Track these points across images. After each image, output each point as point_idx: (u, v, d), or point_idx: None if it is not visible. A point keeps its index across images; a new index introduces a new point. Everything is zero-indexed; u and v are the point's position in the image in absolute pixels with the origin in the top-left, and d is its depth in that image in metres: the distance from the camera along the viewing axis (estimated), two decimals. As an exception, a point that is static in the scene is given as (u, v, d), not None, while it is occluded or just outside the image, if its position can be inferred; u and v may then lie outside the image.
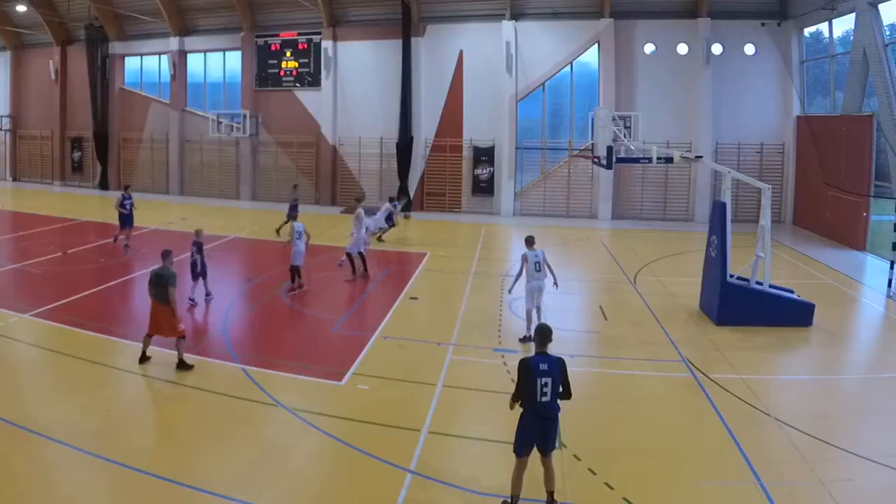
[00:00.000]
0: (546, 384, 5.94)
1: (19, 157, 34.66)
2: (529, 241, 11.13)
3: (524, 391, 5.99)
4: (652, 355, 10.53)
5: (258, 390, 8.82)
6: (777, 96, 23.99)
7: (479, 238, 20.96)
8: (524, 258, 10.90)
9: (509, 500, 6.13)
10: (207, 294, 13.01)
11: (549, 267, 11.06)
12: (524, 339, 10.80)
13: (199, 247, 12.81)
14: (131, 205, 18.03)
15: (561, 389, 6.10)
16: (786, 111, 23.93)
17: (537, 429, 6.02)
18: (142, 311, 12.82)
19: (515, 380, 6.09)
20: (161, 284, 9.36)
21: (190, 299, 12.58)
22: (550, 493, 6.18)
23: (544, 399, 5.96)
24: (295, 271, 13.83)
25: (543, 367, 5.98)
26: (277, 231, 20.02)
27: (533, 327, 10.87)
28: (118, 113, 31.53)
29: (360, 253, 15.15)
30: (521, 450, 6.07)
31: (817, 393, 9.48)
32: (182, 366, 9.33)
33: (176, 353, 9.41)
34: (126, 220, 18.00)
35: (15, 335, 10.70)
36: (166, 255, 9.85)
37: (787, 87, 23.70)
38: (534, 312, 10.90)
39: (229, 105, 29.45)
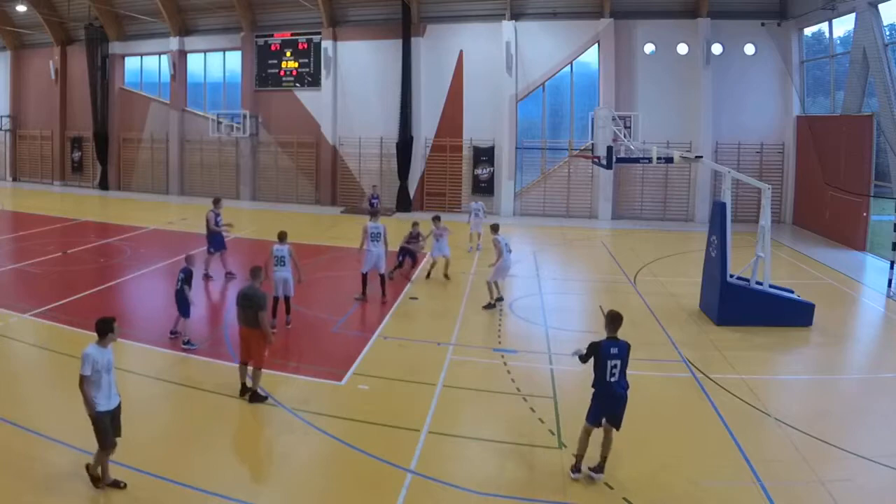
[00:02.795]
0: (615, 366, 6.61)
1: (19, 157, 34.65)
2: (495, 228, 13.18)
3: (596, 372, 6.67)
4: (652, 355, 10.53)
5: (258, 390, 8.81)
6: (777, 96, 23.98)
7: (480, 238, 20.91)
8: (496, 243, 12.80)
9: (575, 457, 6.85)
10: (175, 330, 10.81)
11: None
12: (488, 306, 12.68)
13: (187, 275, 10.53)
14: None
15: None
16: (786, 111, 23.93)
17: (608, 404, 6.67)
18: (142, 311, 12.86)
19: (585, 353, 6.77)
20: (250, 307, 8.35)
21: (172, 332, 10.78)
22: (604, 458, 6.78)
23: (612, 379, 6.61)
24: (364, 278, 13.18)
25: (614, 350, 6.63)
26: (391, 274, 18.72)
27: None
28: (118, 113, 31.53)
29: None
30: (592, 419, 6.75)
31: (817, 393, 9.48)
32: (255, 397, 8.37)
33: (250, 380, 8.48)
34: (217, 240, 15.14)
35: (15, 335, 10.70)
36: (255, 273, 8.80)
37: (787, 87, 23.69)
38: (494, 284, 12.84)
39: (229, 105, 29.44)
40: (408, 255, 15.78)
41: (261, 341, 8.38)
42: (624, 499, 6.42)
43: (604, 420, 6.73)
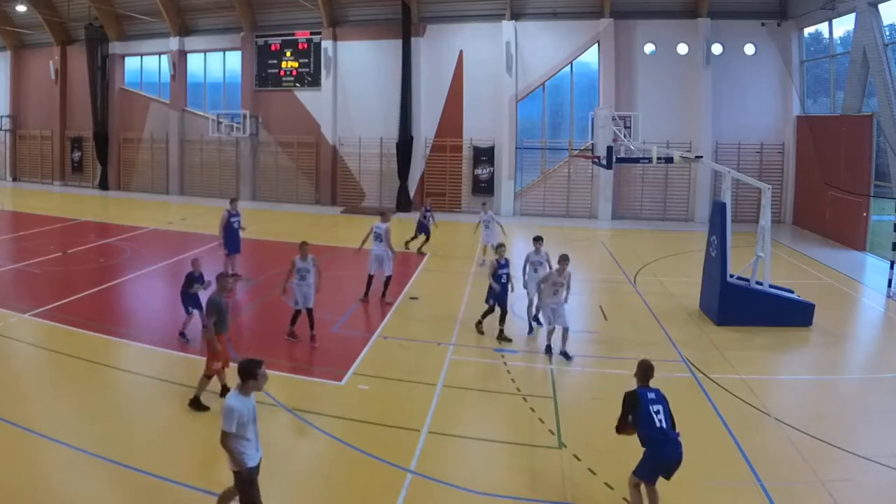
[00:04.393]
0: (658, 411, 5.97)
1: (19, 157, 34.65)
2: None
3: (643, 423, 5.94)
4: (652, 355, 10.42)
5: (258, 390, 8.81)
6: (777, 96, 23.99)
7: (480, 238, 20.92)
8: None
9: None
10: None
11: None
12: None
13: (189, 279, 10.75)
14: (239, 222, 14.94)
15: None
16: (786, 111, 23.93)
17: (667, 453, 5.88)
18: (142, 312, 12.86)
19: (623, 409, 6.08)
20: (209, 314, 8.33)
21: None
22: None
23: (663, 425, 5.92)
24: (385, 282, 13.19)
25: (651, 395, 6.06)
26: (407, 244, 18.30)
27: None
28: (118, 113, 31.53)
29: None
30: (649, 476, 5.96)
31: (817, 393, 9.48)
32: (195, 403, 8.21)
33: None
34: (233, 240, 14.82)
35: (15, 335, 10.69)
36: (220, 281, 8.64)
37: (787, 87, 23.70)
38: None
39: (229, 105, 29.44)
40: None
41: (215, 349, 8.26)
42: (624, 499, 6.41)
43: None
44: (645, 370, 6.26)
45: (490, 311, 11.22)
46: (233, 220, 14.59)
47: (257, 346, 10.86)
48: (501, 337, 10.99)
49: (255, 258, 18.09)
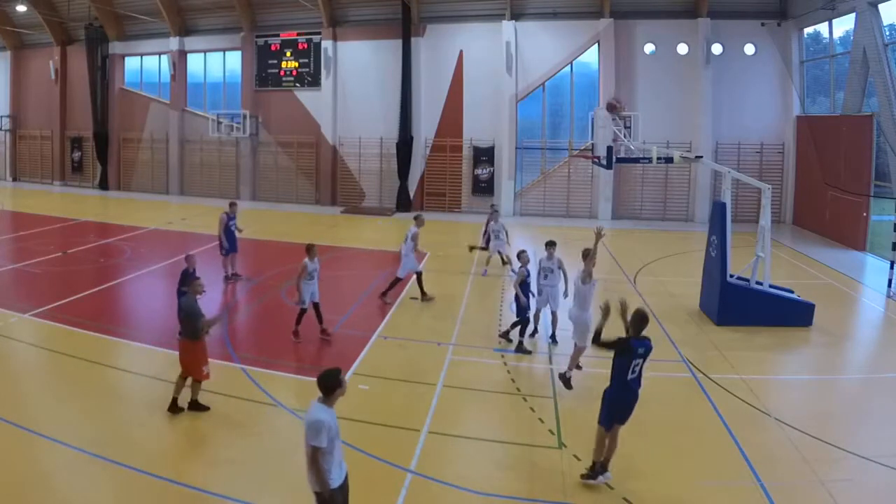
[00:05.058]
0: (637, 364, 6.54)
1: (19, 157, 34.64)
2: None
3: (616, 368, 6.53)
4: (652, 355, 10.50)
5: (258, 390, 8.82)
6: (777, 96, 23.98)
7: (480, 238, 20.91)
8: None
9: (594, 463, 6.66)
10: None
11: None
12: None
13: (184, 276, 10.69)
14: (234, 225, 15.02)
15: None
16: (786, 111, 23.93)
17: (623, 404, 6.55)
18: (141, 311, 12.86)
19: (610, 343, 6.57)
20: (186, 320, 8.12)
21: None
22: (607, 460, 6.63)
23: (632, 377, 6.51)
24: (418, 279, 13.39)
25: (641, 350, 6.55)
26: (471, 248, 17.58)
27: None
28: (118, 113, 31.51)
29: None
30: (608, 422, 6.58)
31: (817, 393, 9.48)
32: (195, 405, 8.20)
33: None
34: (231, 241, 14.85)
35: (15, 335, 10.70)
36: (192, 285, 8.35)
37: (787, 87, 23.69)
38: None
39: (229, 105, 29.42)
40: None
41: (199, 355, 8.08)
42: (624, 499, 6.42)
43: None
44: (639, 321, 6.69)
45: (525, 322, 10.65)
46: (231, 223, 14.71)
47: (258, 346, 10.87)
48: (520, 349, 10.59)
49: (255, 258, 18.09)
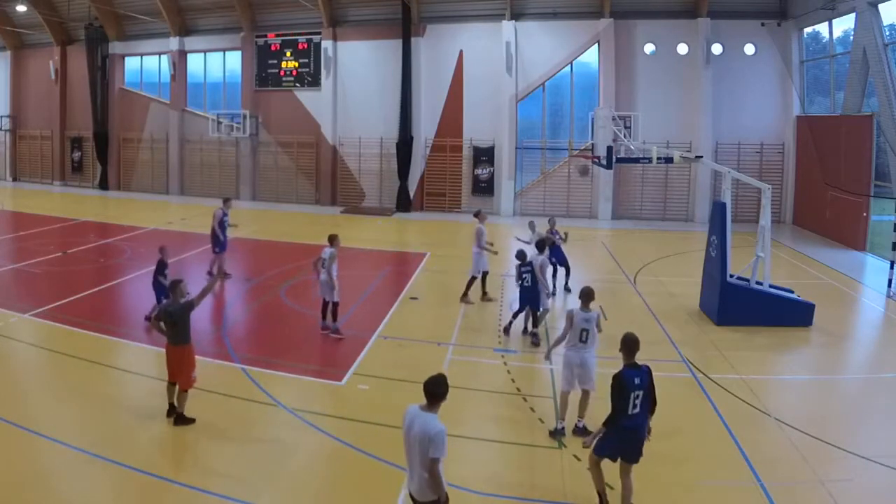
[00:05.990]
0: (638, 397, 5.90)
1: (19, 157, 34.64)
2: (585, 297, 8.06)
3: (616, 405, 5.91)
4: (652, 355, 10.48)
5: (258, 390, 8.82)
6: (777, 96, 23.98)
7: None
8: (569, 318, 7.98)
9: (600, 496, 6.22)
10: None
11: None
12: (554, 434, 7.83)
13: (159, 266, 11.25)
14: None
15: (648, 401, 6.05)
16: (786, 111, 23.93)
17: (626, 439, 5.95)
18: (142, 312, 12.85)
19: (611, 398, 5.97)
20: (173, 324, 7.80)
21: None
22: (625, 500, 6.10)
23: (635, 412, 5.91)
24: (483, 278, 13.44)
25: (637, 381, 5.91)
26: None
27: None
28: (118, 113, 31.52)
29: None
30: (603, 453, 6.09)
31: (817, 393, 9.48)
32: (181, 419, 7.84)
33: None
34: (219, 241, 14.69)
35: (15, 335, 10.70)
36: (174, 287, 8.00)
37: (787, 87, 23.69)
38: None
39: (229, 105, 29.43)
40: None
41: (188, 360, 7.85)
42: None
43: (619, 459, 6.07)
44: (629, 345, 6.07)
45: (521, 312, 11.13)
46: (225, 218, 14.81)
47: (258, 346, 10.87)
48: (533, 339, 10.91)
49: (254, 258, 18.10)
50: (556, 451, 7.38)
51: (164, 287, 10.48)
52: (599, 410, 7.13)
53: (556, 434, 7.68)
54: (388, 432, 7.74)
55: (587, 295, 7.86)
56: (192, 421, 7.83)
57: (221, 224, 14.67)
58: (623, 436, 5.94)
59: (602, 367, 9.19)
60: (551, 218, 15.12)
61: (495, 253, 13.88)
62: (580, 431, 7.62)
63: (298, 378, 9.36)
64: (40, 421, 7.67)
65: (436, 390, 4.90)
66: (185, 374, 7.83)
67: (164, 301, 8.19)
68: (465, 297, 13.37)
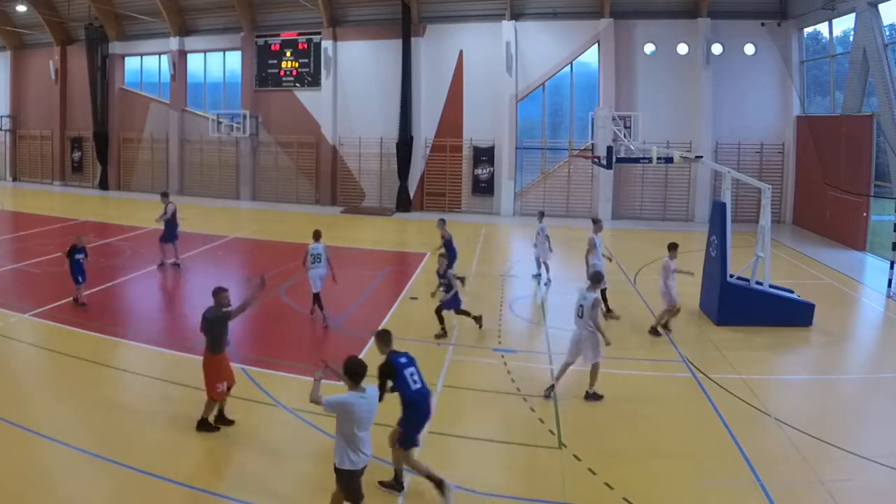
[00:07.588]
0: (412, 372, 6.56)
1: (19, 156, 34.63)
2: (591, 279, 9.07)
3: (403, 387, 6.49)
4: (652, 355, 10.53)
5: (258, 390, 8.82)
6: (777, 96, 23.98)
7: (479, 238, 20.95)
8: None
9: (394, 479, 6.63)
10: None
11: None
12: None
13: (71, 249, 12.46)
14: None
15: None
16: (786, 111, 23.92)
17: (423, 413, 6.57)
18: (141, 311, 12.86)
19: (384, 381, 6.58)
20: (206, 331, 7.81)
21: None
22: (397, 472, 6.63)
23: (416, 386, 6.51)
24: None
25: (403, 360, 6.63)
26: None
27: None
28: (118, 113, 31.52)
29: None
30: (415, 441, 6.59)
31: (817, 393, 9.48)
32: (203, 425, 7.74)
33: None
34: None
35: (15, 335, 10.70)
36: (217, 294, 7.96)
37: (787, 87, 23.69)
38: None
39: (229, 105, 29.43)
40: None
41: (211, 370, 7.69)
42: (624, 499, 6.41)
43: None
44: (383, 337, 6.80)
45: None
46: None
47: (258, 346, 10.87)
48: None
49: (254, 258, 18.11)
50: (556, 451, 7.38)
51: (77, 268, 12.17)
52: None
53: (546, 391, 8.82)
54: (388, 432, 7.74)
55: (592, 278, 8.95)
56: (215, 429, 7.70)
57: (173, 218, 16.19)
58: (420, 412, 6.57)
59: (603, 368, 9.24)
60: (540, 212, 15.63)
61: (609, 260, 13.94)
62: (591, 397, 8.72)
63: (298, 378, 9.35)
64: (40, 421, 7.67)
65: (357, 370, 5.90)
66: (209, 383, 7.65)
67: (207, 308, 7.94)
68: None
